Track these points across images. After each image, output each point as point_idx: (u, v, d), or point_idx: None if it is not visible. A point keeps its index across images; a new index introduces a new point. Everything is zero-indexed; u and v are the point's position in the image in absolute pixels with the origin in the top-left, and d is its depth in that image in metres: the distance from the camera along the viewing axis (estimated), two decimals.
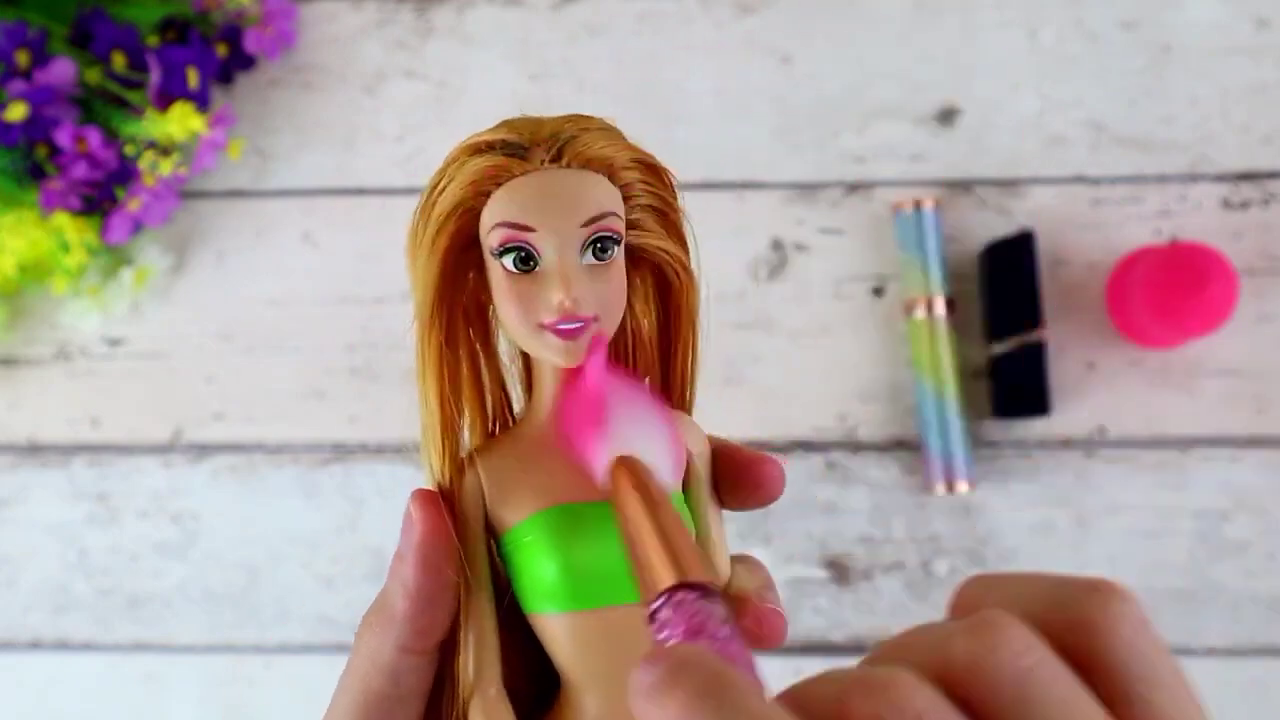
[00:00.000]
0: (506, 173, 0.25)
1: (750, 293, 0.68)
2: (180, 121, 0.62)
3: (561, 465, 0.25)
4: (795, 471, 0.67)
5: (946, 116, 0.69)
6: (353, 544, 0.67)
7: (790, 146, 0.68)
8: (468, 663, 0.25)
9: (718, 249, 0.68)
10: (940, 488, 0.64)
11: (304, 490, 0.68)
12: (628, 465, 0.23)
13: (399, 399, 0.68)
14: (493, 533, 0.26)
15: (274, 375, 0.69)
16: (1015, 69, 0.69)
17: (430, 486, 0.26)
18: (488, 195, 0.25)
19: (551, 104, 0.70)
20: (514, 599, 0.26)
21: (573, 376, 0.25)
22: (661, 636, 0.22)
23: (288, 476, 0.68)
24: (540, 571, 0.25)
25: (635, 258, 0.27)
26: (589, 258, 0.25)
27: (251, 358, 0.69)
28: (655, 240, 0.27)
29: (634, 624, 0.24)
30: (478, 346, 0.27)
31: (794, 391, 0.67)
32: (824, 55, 0.70)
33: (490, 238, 0.25)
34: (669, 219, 0.27)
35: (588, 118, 0.26)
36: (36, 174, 0.63)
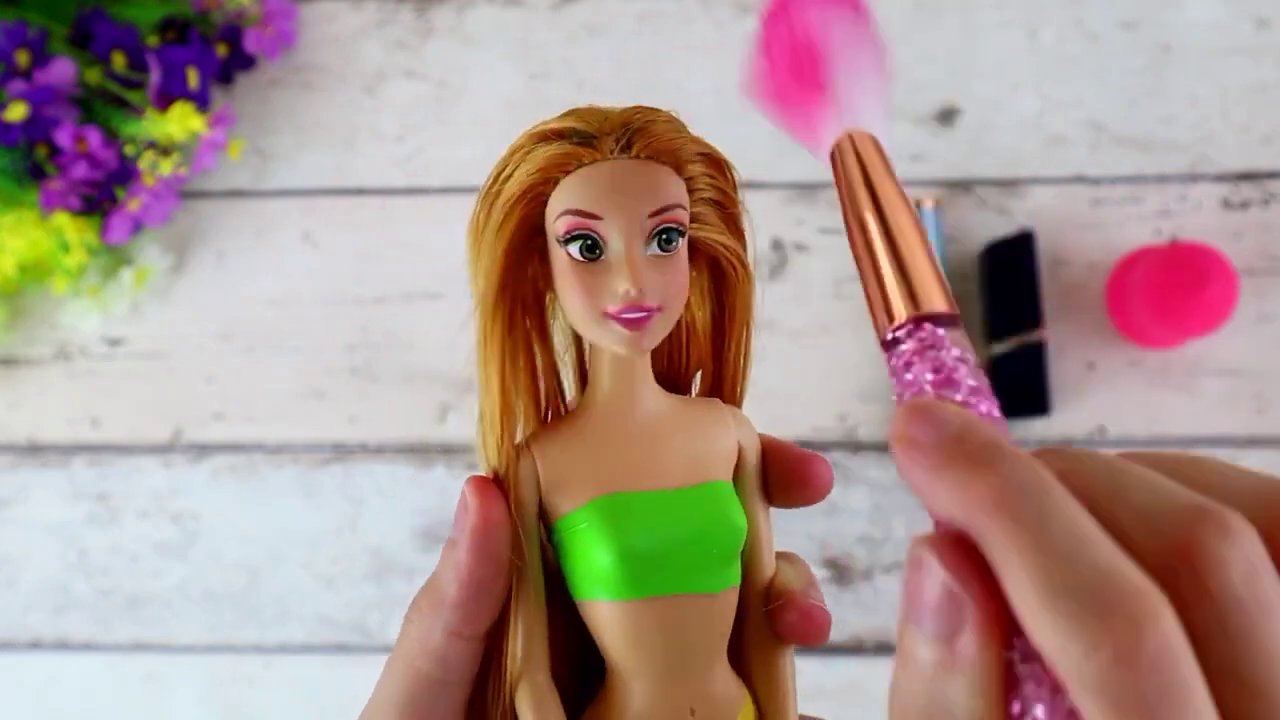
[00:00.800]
0: (575, 160, 0.25)
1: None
2: (180, 121, 0.62)
3: (618, 454, 0.25)
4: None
5: (946, 116, 0.69)
6: (353, 544, 0.67)
7: (790, 146, 0.68)
8: (516, 649, 0.25)
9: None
10: None
11: (304, 490, 0.68)
12: (860, 147, 0.22)
13: (399, 399, 0.68)
14: (545, 519, 0.26)
15: (274, 375, 0.69)
16: (1015, 69, 0.69)
17: (486, 474, 0.26)
18: (555, 183, 0.25)
19: (551, 104, 0.70)
20: (559, 587, 0.26)
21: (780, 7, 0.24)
22: (908, 378, 0.21)
23: (288, 476, 0.68)
24: (594, 559, 0.25)
25: (694, 250, 0.27)
26: (654, 248, 0.25)
27: (251, 358, 0.69)
28: (715, 234, 0.27)
29: (686, 613, 0.25)
30: (534, 336, 0.27)
31: (794, 391, 0.67)
32: None
33: (557, 225, 0.25)
34: (730, 213, 0.27)
35: (655, 110, 0.26)
36: (37, 174, 0.63)
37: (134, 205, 0.64)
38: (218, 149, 0.66)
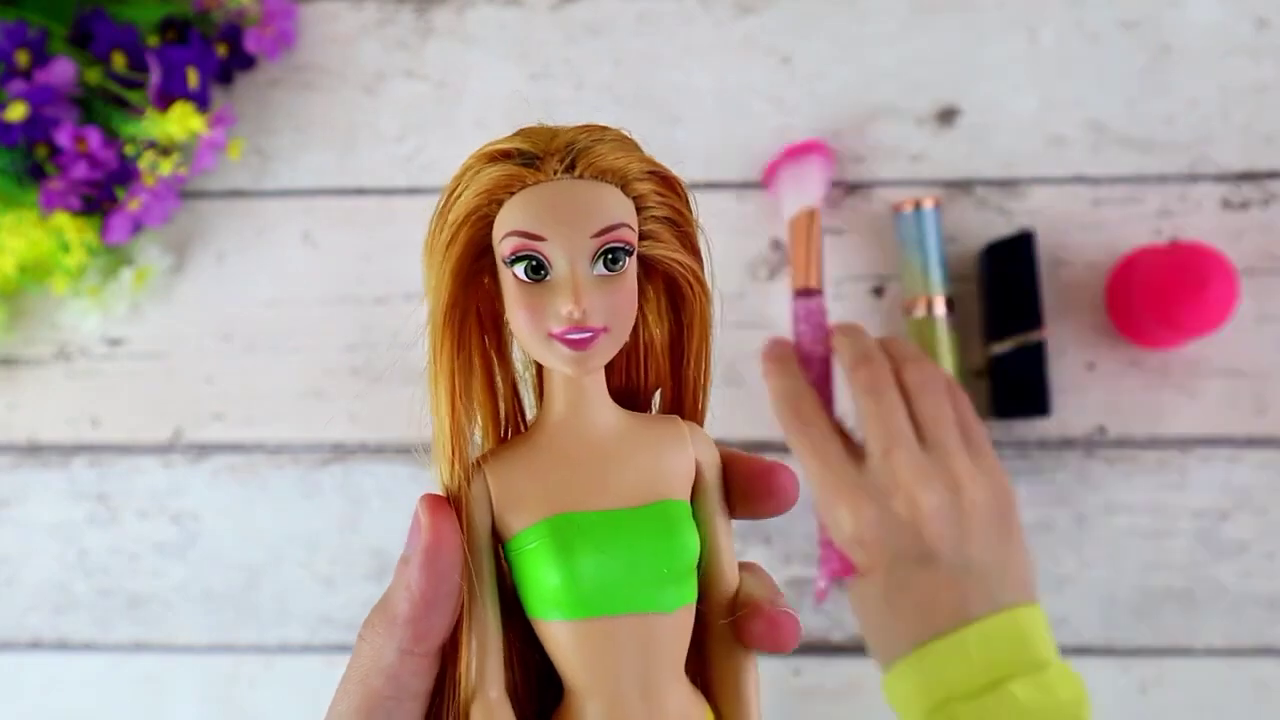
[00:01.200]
0: (519, 181, 0.25)
1: (750, 293, 0.68)
2: (180, 121, 0.62)
3: (569, 473, 0.26)
4: (795, 472, 0.67)
5: (946, 116, 0.69)
6: (353, 544, 0.67)
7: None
8: (470, 666, 0.25)
9: (718, 249, 0.68)
10: None
11: (304, 490, 0.68)
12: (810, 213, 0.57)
13: (399, 399, 0.68)
14: (499, 538, 0.26)
15: (274, 375, 0.69)
16: (1015, 69, 0.69)
17: (440, 491, 0.26)
18: (501, 203, 0.25)
19: (551, 104, 0.70)
20: (518, 604, 0.26)
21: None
22: (800, 316, 0.61)
23: (288, 477, 0.68)
24: (543, 578, 0.25)
25: (649, 268, 0.27)
26: (600, 268, 0.25)
27: (251, 358, 0.69)
28: (669, 251, 0.27)
29: (638, 633, 0.25)
30: (492, 353, 0.27)
31: None
32: (824, 55, 0.70)
33: (502, 246, 0.25)
34: (683, 230, 0.27)
35: (603, 128, 0.26)
36: (36, 174, 0.63)
37: (134, 205, 0.64)
38: (218, 149, 0.66)
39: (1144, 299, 0.62)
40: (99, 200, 0.64)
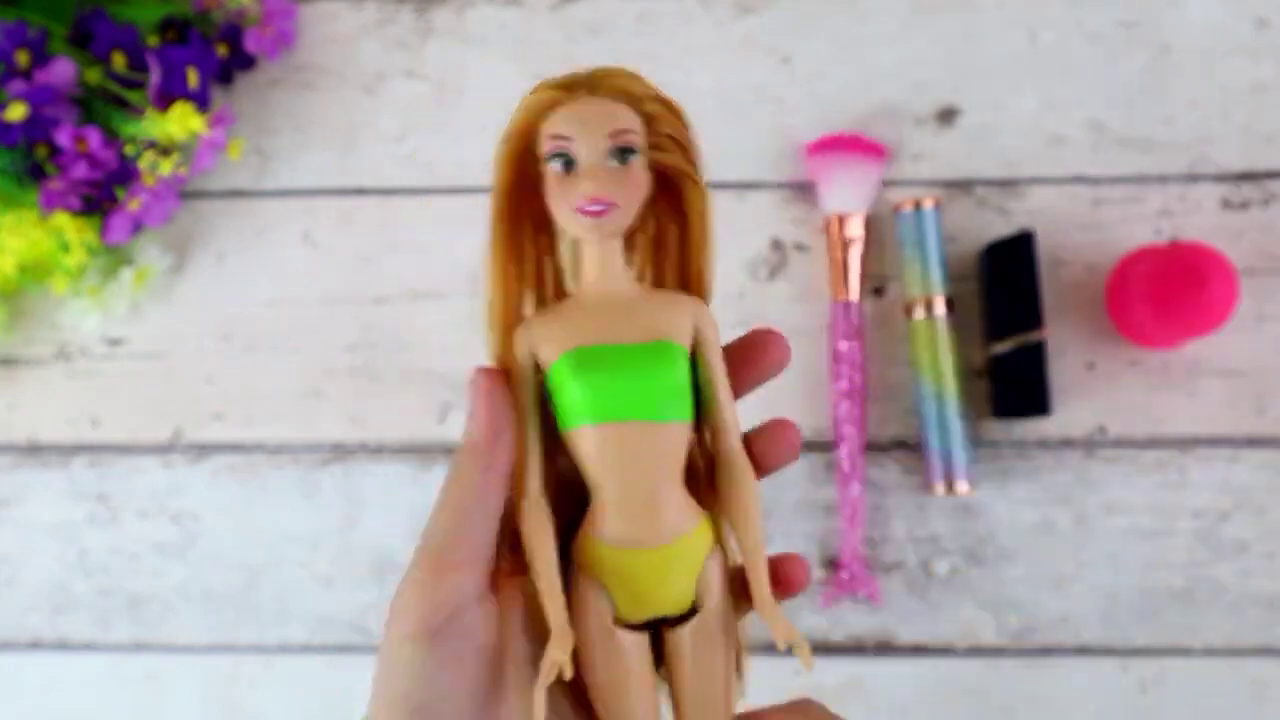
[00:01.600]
0: (556, 102, 0.34)
1: (750, 293, 0.68)
2: (180, 121, 0.62)
3: (590, 321, 0.35)
4: (795, 471, 0.67)
5: (946, 116, 0.69)
6: (353, 544, 0.67)
7: (790, 146, 0.68)
8: (519, 473, 0.35)
9: (718, 249, 0.68)
10: (940, 488, 0.64)
11: (304, 490, 0.68)
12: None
13: (399, 399, 0.68)
14: (540, 375, 0.35)
15: (274, 375, 0.69)
16: (1015, 69, 0.69)
17: (492, 343, 0.35)
18: (543, 118, 0.34)
19: None
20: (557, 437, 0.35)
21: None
22: (838, 317, 0.58)
23: (288, 476, 0.68)
24: (570, 394, 0.34)
25: (662, 179, 0.35)
26: (613, 161, 0.34)
27: (251, 358, 0.69)
28: (674, 160, 0.35)
29: (639, 436, 0.34)
30: (544, 248, 0.36)
31: (792, 391, 0.67)
32: (824, 55, 0.70)
33: (544, 147, 0.34)
34: (681, 143, 0.36)
35: (619, 67, 0.35)
36: (36, 174, 0.63)
37: (134, 205, 0.64)
38: (218, 149, 0.66)
39: (1144, 299, 0.63)
40: (99, 200, 0.65)
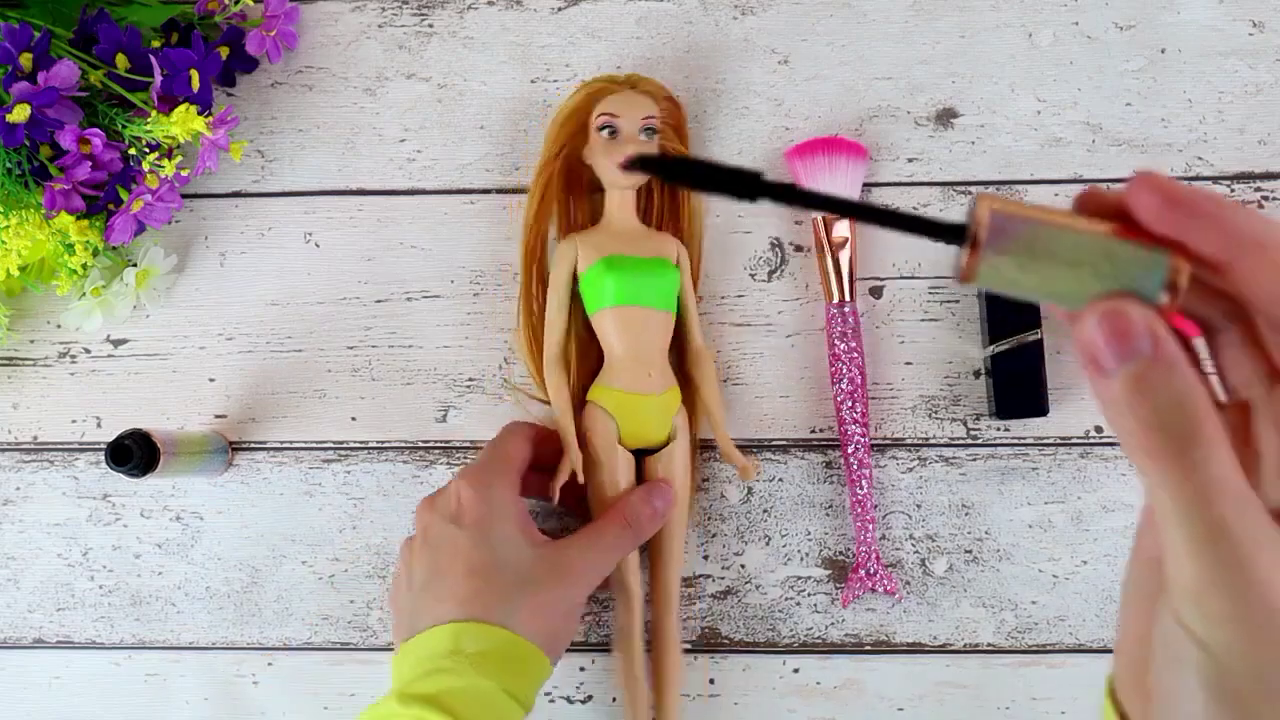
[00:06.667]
0: (609, 91, 0.62)
1: (750, 293, 0.68)
2: (183, 123, 0.63)
3: (614, 241, 0.61)
4: (795, 471, 0.67)
5: (945, 118, 0.69)
6: (354, 543, 0.68)
7: (789, 146, 0.69)
8: (546, 340, 0.62)
9: (718, 249, 0.68)
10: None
11: (305, 490, 0.68)
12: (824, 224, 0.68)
13: (400, 399, 0.69)
14: (576, 275, 0.61)
15: (276, 375, 0.69)
16: (1013, 71, 0.69)
17: (525, 245, 0.64)
18: (596, 101, 0.62)
19: (552, 107, 0.70)
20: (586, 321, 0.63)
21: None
22: (833, 320, 0.67)
23: (289, 476, 0.68)
24: (603, 284, 0.59)
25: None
26: (643, 136, 0.61)
27: (253, 358, 0.69)
28: (673, 142, 0.64)
29: (646, 317, 0.59)
30: (575, 192, 0.65)
31: (792, 391, 0.67)
32: (823, 56, 0.70)
33: (596, 120, 0.61)
34: (679, 130, 0.65)
35: (648, 78, 0.65)
36: (40, 175, 0.64)
37: (137, 206, 0.65)
38: (220, 150, 0.67)
39: None
40: (102, 201, 0.65)
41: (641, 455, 0.62)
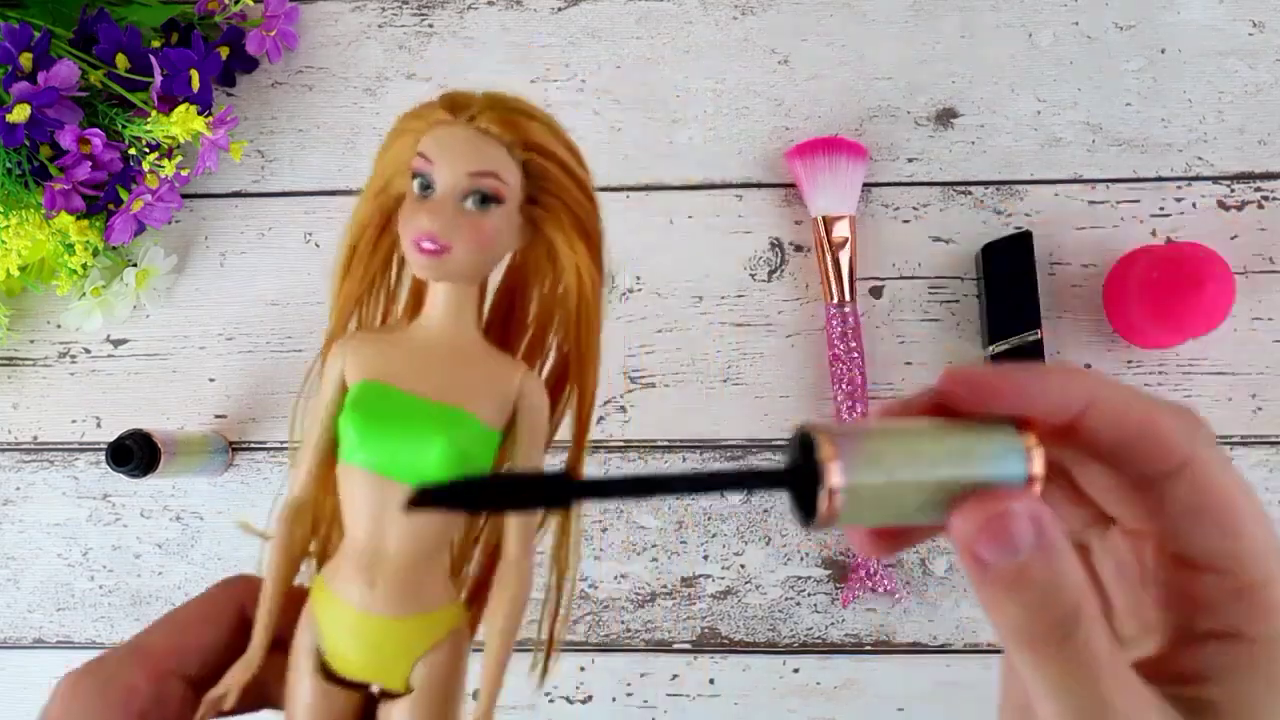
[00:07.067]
0: (436, 121, 0.31)
1: (750, 293, 0.68)
2: (183, 123, 0.63)
3: (402, 357, 0.31)
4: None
5: (945, 118, 0.69)
6: None
7: (789, 146, 0.69)
8: (291, 477, 0.34)
9: (718, 249, 0.68)
10: None
11: None
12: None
13: None
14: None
15: (276, 375, 0.69)
16: (1013, 71, 0.69)
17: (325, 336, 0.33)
18: (419, 136, 0.31)
19: (553, 107, 0.70)
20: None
21: None
22: (833, 321, 0.61)
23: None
24: (346, 425, 0.31)
25: (544, 240, 0.32)
26: (470, 204, 0.30)
27: (253, 358, 0.69)
28: (554, 230, 0.32)
29: (391, 496, 0.30)
30: (393, 264, 0.34)
31: (793, 391, 0.67)
32: (823, 56, 0.70)
33: (413, 163, 0.31)
34: (581, 222, 0.32)
35: (527, 106, 0.32)
36: (40, 175, 0.64)
37: (137, 206, 0.65)
38: (220, 150, 0.67)
39: (1141, 299, 0.63)
40: (102, 201, 0.65)
41: (379, 696, 0.33)
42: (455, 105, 0.31)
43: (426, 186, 0.31)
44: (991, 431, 0.26)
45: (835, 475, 0.24)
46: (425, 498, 0.24)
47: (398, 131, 0.32)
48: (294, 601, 0.33)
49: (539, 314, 0.34)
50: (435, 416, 0.30)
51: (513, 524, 0.32)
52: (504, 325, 0.34)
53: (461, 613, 0.32)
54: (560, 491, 0.25)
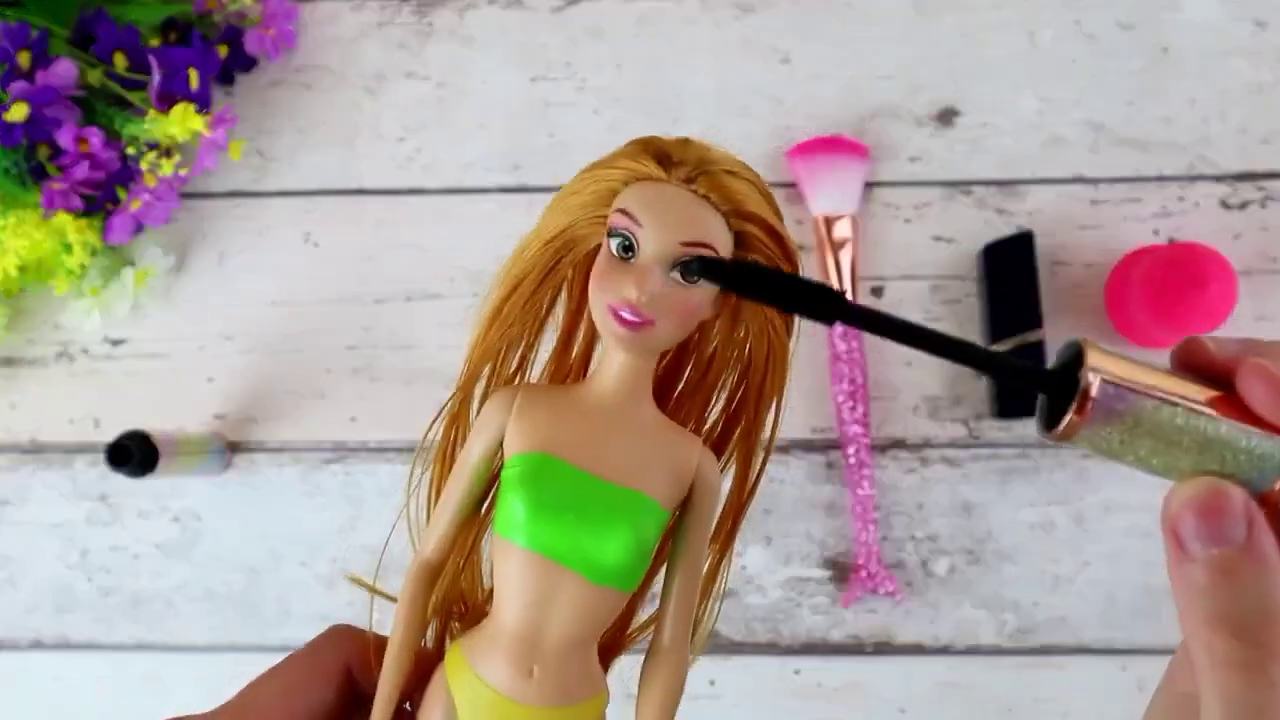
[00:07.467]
0: (647, 173, 0.28)
1: None
2: (181, 122, 0.62)
3: (578, 427, 0.29)
4: (795, 471, 0.67)
5: (946, 117, 0.69)
6: (353, 543, 0.68)
7: (790, 146, 0.69)
8: (426, 531, 0.32)
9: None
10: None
11: (305, 490, 0.68)
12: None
13: (399, 399, 0.68)
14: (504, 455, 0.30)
15: (275, 375, 0.69)
16: (1014, 70, 0.69)
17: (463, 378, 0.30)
18: (627, 184, 0.28)
19: (553, 107, 0.70)
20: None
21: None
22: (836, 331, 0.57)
23: (288, 476, 0.68)
24: (511, 500, 0.28)
25: (737, 318, 0.30)
26: (676, 274, 0.27)
27: (252, 358, 0.69)
28: (755, 305, 0.29)
29: (560, 584, 0.28)
30: (578, 311, 0.31)
31: (794, 391, 0.67)
32: (824, 55, 0.70)
33: (612, 217, 0.28)
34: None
35: (738, 165, 0.29)
36: (38, 174, 0.63)
37: (135, 206, 0.64)
38: (219, 149, 0.66)
39: (1143, 299, 0.63)
40: (100, 201, 0.65)
41: None
42: (666, 160, 0.28)
43: (628, 249, 0.27)
44: (1260, 438, 0.24)
45: (1090, 404, 0.25)
46: (706, 267, 0.25)
47: (592, 178, 0.29)
48: (416, 664, 0.31)
49: (709, 377, 0.31)
50: (617, 503, 0.28)
51: (672, 609, 0.30)
52: (668, 384, 0.32)
53: (606, 700, 0.30)
54: (836, 309, 0.24)
